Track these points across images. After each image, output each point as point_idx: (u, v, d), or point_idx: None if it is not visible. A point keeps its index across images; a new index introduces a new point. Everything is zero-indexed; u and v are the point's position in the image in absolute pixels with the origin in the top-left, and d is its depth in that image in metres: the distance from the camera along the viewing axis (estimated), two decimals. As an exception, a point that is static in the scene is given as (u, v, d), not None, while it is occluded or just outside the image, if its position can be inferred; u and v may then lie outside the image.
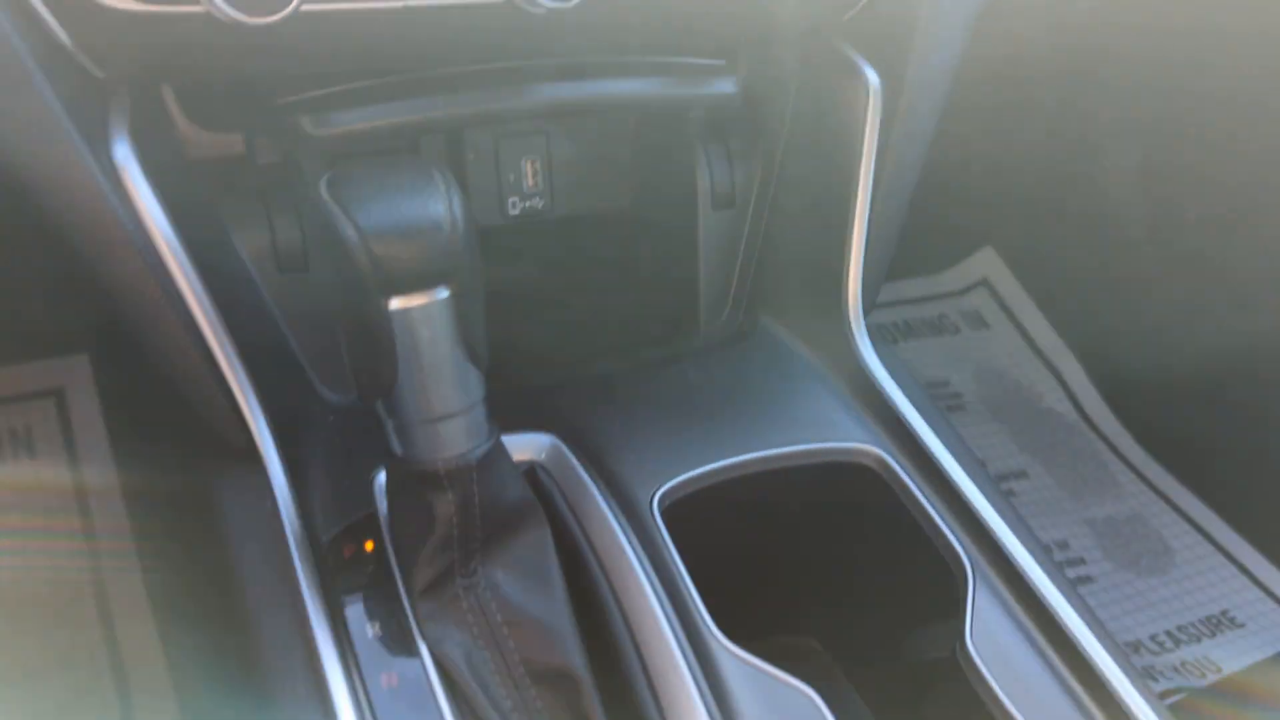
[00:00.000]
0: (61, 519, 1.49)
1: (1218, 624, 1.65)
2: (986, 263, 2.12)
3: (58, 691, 1.35)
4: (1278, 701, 1.40)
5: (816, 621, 1.01)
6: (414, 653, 0.74)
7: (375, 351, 0.69)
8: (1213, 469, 1.81)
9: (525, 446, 0.89)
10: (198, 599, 1.09)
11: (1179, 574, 1.73)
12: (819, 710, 0.76)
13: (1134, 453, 1.89)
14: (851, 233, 0.99)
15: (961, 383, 1.97)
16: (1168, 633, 1.61)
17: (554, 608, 0.78)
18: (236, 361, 0.80)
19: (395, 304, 0.67)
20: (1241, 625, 1.65)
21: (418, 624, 0.75)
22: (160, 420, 1.17)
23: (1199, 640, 1.61)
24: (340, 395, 0.92)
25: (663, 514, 0.86)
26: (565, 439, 0.90)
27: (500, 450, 0.76)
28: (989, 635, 0.82)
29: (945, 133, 1.03)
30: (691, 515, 0.88)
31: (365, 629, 0.75)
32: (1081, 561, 1.69)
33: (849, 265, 0.99)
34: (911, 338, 2.03)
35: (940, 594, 0.88)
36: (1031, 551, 0.86)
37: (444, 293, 0.68)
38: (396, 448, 0.74)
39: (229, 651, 0.81)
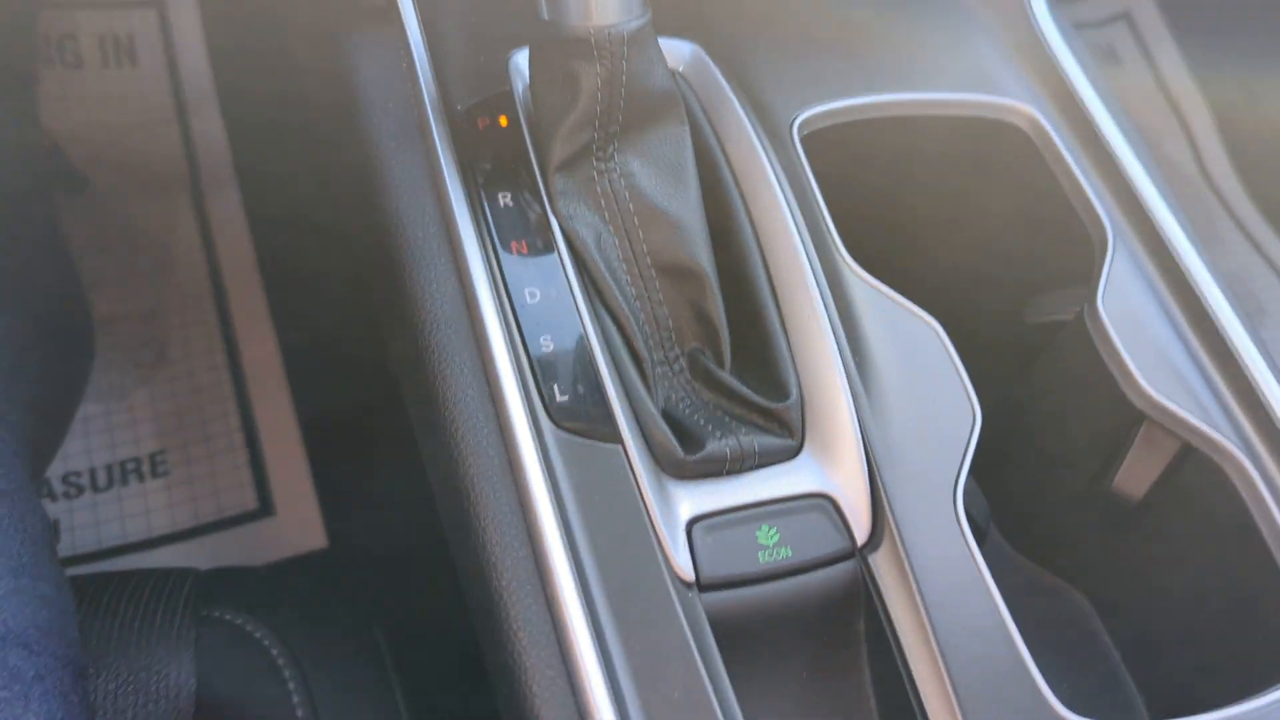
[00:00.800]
0: (161, 125, 1.49)
1: (1296, 388, 1.62)
2: None
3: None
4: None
5: (928, 287, 0.99)
6: (544, 225, 0.73)
7: None
8: None
9: (666, 51, 0.84)
10: (313, 163, 1.08)
11: (1267, 336, 1.69)
12: (942, 341, 0.75)
13: (1246, 211, 1.81)
14: None
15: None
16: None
17: (687, 205, 0.76)
18: None
19: None
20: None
21: (550, 199, 0.73)
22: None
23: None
24: None
25: (801, 141, 0.83)
26: (707, 49, 0.86)
27: (651, 32, 0.72)
28: (1122, 299, 0.79)
29: None
30: (827, 149, 0.84)
31: (497, 197, 0.74)
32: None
33: None
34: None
35: (1070, 260, 0.85)
36: (1180, 222, 0.82)
37: None
38: (544, 11, 0.69)
39: (355, 210, 0.81)
